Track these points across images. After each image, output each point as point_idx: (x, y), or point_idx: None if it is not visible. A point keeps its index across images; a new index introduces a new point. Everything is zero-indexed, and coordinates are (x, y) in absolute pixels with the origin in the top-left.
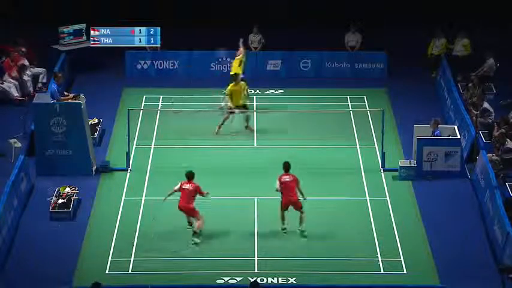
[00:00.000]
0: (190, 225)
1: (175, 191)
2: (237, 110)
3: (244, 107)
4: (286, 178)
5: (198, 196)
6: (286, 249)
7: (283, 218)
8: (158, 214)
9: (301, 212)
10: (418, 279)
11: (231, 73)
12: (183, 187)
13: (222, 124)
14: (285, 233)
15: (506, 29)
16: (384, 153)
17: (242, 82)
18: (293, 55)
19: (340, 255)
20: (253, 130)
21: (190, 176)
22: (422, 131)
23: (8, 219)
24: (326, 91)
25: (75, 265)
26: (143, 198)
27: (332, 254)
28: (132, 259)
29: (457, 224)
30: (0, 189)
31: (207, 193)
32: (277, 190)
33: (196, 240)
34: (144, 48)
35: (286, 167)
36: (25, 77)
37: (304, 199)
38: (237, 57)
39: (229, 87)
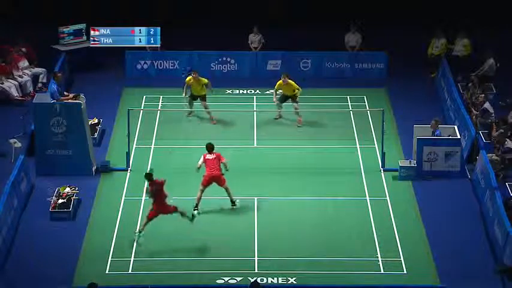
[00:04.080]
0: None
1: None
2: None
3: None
4: (209, 156)
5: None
6: (286, 249)
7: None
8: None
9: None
10: (418, 279)
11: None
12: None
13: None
14: (198, 213)
15: (506, 29)
16: (384, 153)
17: None
18: (293, 55)
19: (340, 255)
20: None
21: (210, 147)
22: (422, 131)
23: (8, 219)
24: (326, 91)
25: (75, 265)
26: (143, 198)
27: (332, 254)
28: (132, 259)
29: (457, 224)
30: (0, 189)
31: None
32: (198, 167)
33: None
34: (144, 48)
35: (209, 147)
36: (25, 77)
37: (227, 170)
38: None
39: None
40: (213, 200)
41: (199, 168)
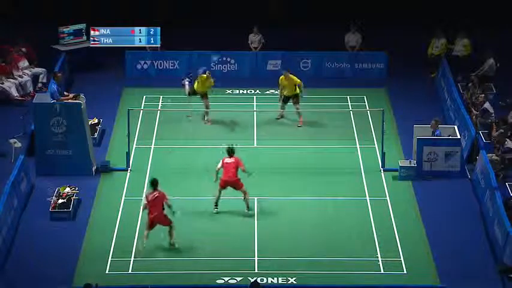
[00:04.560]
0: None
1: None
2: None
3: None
4: (228, 160)
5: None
6: (286, 249)
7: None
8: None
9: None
10: (418, 279)
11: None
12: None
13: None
14: (216, 212)
15: (506, 29)
16: (384, 153)
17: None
18: (293, 55)
19: (340, 255)
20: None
21: (231, 151)
22: (422, 131)
23: (8, 219)
24: (326, 91)
25: (75, 265)
26: (143, 197)
27: (332, 254)
28: (132, 259)
29: (457, 224)
30: (0, 189)
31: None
32: (217, 171)
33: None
34: (144, 48)
35: (229, 151)
36: (25, 77)
37: (249, 174)
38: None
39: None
40: (212, 200)
41: (217, 171)
